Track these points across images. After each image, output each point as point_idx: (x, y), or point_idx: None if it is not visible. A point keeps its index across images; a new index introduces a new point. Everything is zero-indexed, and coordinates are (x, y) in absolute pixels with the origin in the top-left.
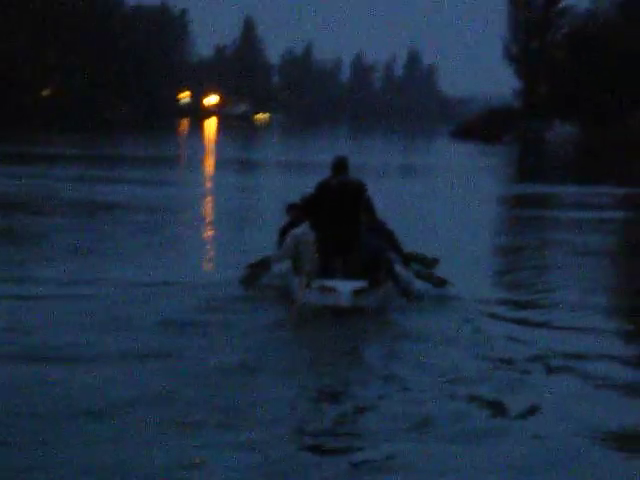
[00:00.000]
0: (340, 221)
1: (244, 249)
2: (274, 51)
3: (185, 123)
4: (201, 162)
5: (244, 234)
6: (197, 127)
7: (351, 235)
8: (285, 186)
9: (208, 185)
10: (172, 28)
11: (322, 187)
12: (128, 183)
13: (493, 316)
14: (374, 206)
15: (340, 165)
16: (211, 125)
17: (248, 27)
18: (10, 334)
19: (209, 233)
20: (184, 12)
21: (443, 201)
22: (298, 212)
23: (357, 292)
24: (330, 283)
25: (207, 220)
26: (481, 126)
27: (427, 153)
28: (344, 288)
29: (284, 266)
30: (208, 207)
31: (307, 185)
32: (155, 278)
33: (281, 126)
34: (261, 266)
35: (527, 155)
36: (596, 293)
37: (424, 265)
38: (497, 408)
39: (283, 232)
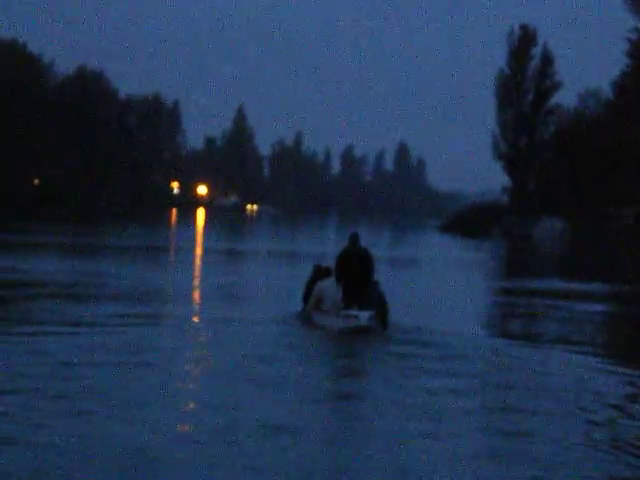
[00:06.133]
0: (356, 274)
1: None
2: (264, 142)
3: (174, 213)
4: (190, 252)
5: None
6: (186, 218)
7: (363, 283)
8: (274, 274)
9: (196, 272)
10: (164, 118)
11: (344, 253)
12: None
13: None
14: (374, 267)
15: (354, 238)
16: (200, 216)
17: (239, 118)
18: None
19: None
20: (177, 103)
21: (428, 291)
22: (321, 271)
23: (371, 317)
24: (353, 312)
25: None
26: (469, 221)
27: (415, 246)
28: (363, 315)
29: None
30: (199, 289)
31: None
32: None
33: (270, 217)
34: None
35: (513, 251)
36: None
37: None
38: None
39: (309, 285)
